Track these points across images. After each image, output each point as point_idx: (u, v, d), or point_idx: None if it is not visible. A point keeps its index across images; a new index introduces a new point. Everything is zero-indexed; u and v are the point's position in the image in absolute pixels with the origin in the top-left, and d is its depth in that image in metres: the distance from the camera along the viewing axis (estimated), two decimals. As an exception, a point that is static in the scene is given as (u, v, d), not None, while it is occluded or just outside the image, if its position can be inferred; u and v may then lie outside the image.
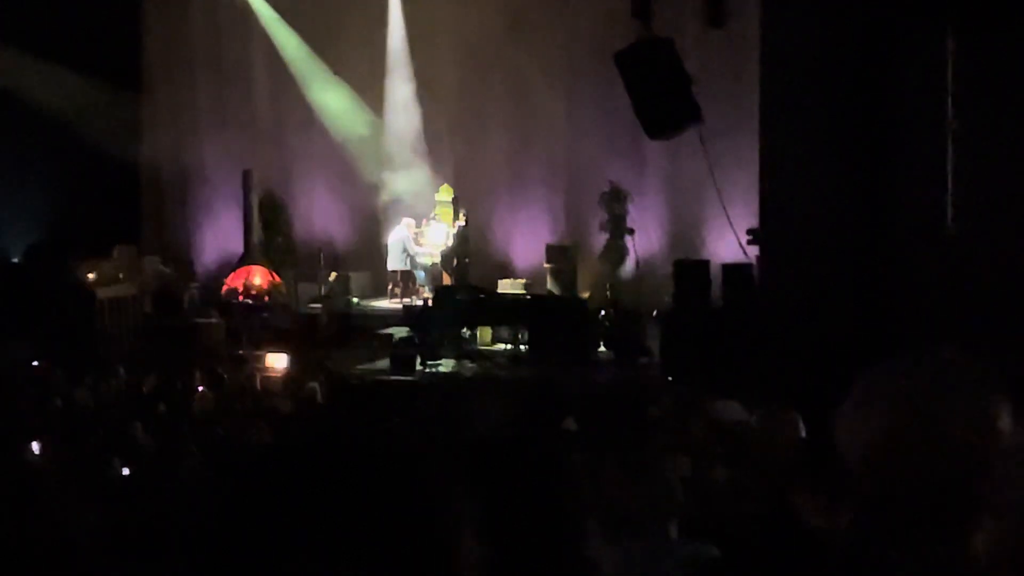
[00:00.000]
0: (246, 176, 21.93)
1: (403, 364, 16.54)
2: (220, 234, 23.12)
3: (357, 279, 21.37)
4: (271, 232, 22.41)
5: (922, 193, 12.42)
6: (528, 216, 21.48)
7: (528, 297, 18.81)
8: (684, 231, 20.09)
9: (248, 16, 22.43)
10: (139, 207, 23.44)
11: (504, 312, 18.02)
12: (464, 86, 21.56)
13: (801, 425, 5.25)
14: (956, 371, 1.82)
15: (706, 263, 16.43)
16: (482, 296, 18.36)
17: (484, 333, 18.05)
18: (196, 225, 23.53)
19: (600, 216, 20.45)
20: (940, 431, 1.76)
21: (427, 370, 16.52)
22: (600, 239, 20.48)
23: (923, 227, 12.38)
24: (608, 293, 19.79)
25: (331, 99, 22.36)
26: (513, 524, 1.55)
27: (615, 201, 20.28)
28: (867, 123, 12.78)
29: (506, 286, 19.66)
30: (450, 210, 20.87)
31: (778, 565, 3.65)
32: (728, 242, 15.60)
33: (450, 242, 20.34)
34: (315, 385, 13.80)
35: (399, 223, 20.95)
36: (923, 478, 1.77)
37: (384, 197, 22.20)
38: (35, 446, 9.36)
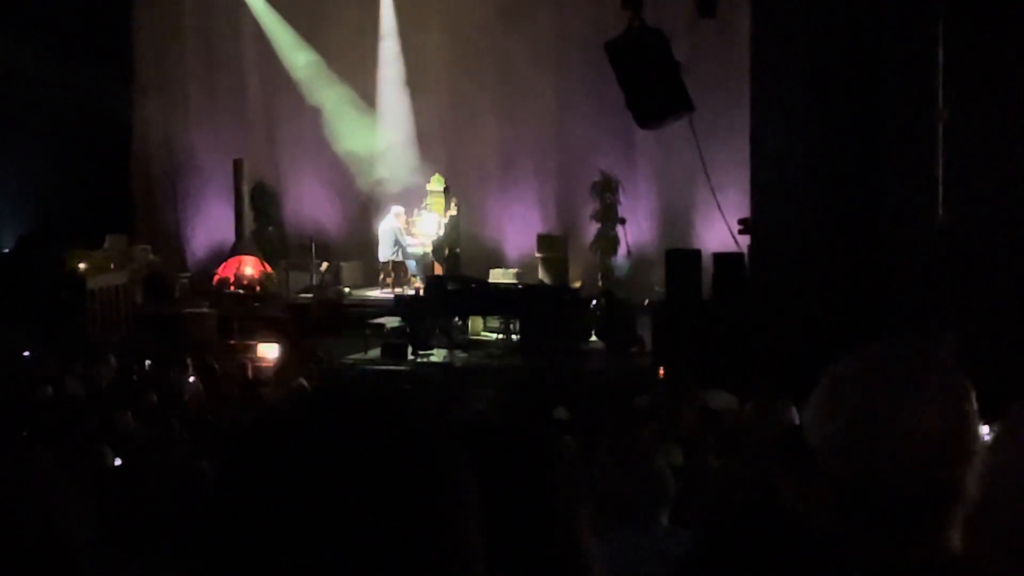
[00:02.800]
0: (237, 166, 21.89)
1: (394, 354, 16.55)
2: (211, 224, 23.08)
3: (349, 269, 21.35)
4: (262, 222, 22.38)
5: (913, 182, 12.44)
6: (519, 205, 21.47)
7: (519, 287, 18.81)
8: (675, 220, 20.10)
9: (239, 6, 22.38)
10: (130, 197, 23.38)
11: (495, 302, 18.02)
12: (455, 76, 21.53)
13: (795, 414, 5.26)
14: (921, 362, 1.82)
15: (697, 252, 16.44)
16: (473, 286, 18.36)
17: (475, 323, 18.05)
18: (187, 215, 23.48)
19: (591, 205, 20.43)
20: (907, 422, 1.76)
21: (418, 360, 16.53)
22: (591, 228, 20.48)
23: (914, 216, 12.40)
24: (599, 282, 19.81)
25: (322, 88, 22.32)
26: (504, 513, 1.55)
27: (606, 190, 20.26)
28: (858, 112, 12.79)
29: (497, 276, 19.65)
30: (441, 200, 20.84)
31: (769, 554, 3.65)
32: (719, 231, 15.61)
33: (441, 232, 20.33)
34: (302, 381, 13.78)
35: (389, 213, 20.93)
36: (891, 470, 1.77)
37: (376, 187, 22.19)
38: (25, 436, 9.34)
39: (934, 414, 1.75)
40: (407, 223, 20.74)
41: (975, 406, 1.78)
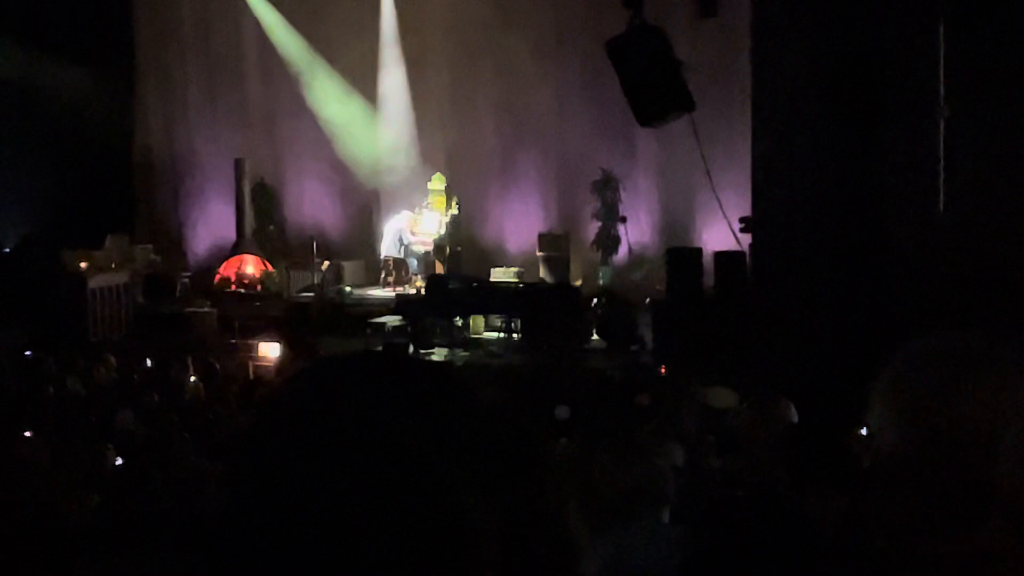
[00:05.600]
0: (238, 165, 21.92)
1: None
2: (212, 223, 23.10)
3: (350, 268, 21.37)
4: (263, 221, 22.41)
5: (914, 180, 12.43)
6: (520, 204, 21.48)
7: (520, 285, 18.81)
8: (676, 219, 20.10)
9: (240, 5, 22.39)
10: (131, 196, 23.42)
11: (497, 300, 18.02)
12: (456, 74, 21.54)
13: (793, 412, 5.26)
14: (985, 356, 1.80)
15: (698, 251, 16.45)
16: (475, 284, 18.36)
17: (477, 321, 18.05)
18: (188, 214, 23.51)
19: (592, 204, 20.45)
20: (967, 418, 1.74)
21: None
22: (592, 227, 20.49)
23: (915, 214, 12.39)
24: (600, 281, 19.82)
25: (323, 87, 22.34)
26: (503, 512, 1.55)
27: (607, 189, 20.28)
28: (859, 110, 12.78)
29: (499, 274, 19.66)
30: (443, 198, 20.85)
31: (769, 551, 3.66)
32: (720, 230, 15.60)
33: (442, 231, 20.34)
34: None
35: (395, 212, 20.96)
36: (949, 463, 1.75)
37: (376, 186, 22.21)
38: (27, 434, 9.35)
39: (998, 408, 1.73)
40: (412, 223, 20.77)
41: None
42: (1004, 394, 1.75)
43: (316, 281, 20.39)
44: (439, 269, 20.10)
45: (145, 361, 15.03)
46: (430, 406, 1.14)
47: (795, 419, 5.15)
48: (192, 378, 13.49)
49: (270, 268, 20.81)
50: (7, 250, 21.01)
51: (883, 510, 1.86)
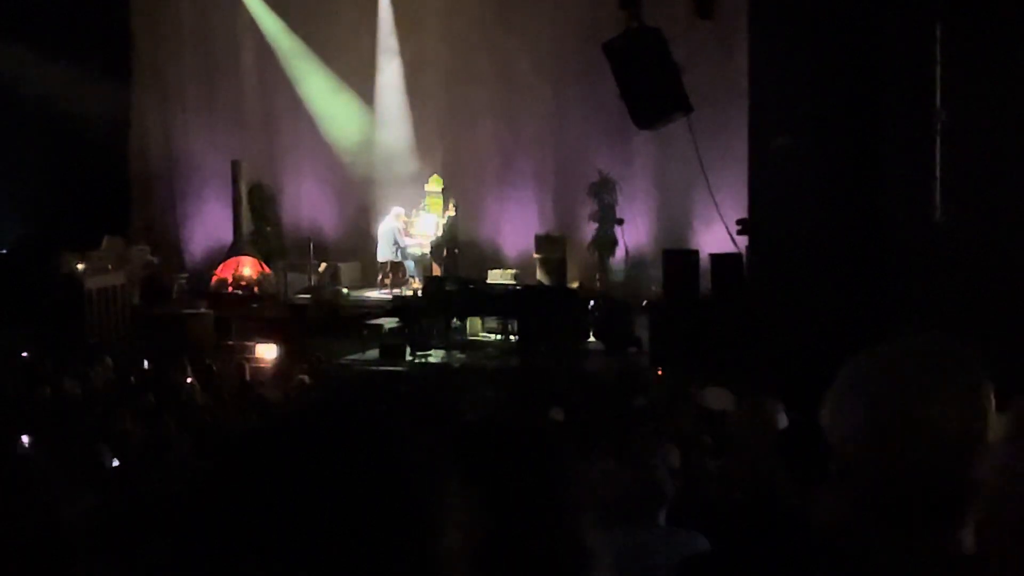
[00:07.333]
0: (235, 166, 21.91)
1: (392, 354, 16.55)
2: (209, 224, 23.09)
3: (347, 269, 21.37)
4: (260, 222, 22.38)
5: (911, 183, 12.43)
6: (517, 206, 21.47)
7: (517, 287, 18.81)
8: (673, 221, 20.10)
9: (237, 7, 22.39)
10: (128, 197, 23.40)
11: (493, 302, 18.02)
12: (453, 77, 21.54)
13: (783, 414, 5.25)
14: (943, 358, 1.81)
15: (695, 253, 16.45)
16: (471, 286, 18.35)
17: (473, 323, 18.05)
18: (185, 215, 23.50)
19: (589, 206, 20.44)
20: (925, 420, 1.74)
21: (416, 360, 16.53)
22: (589, 229, 20.49)
23: (912, 217, 12.39)
24: (597, 283, 19.81)
25: (320, 89, 22.33)
26: (509, 512, 1.56)
27: (604, 191, 20.27)
28: (856, 113, 12.78)
29: (496, 276, 19.65)
30: (440, 200, 20.85)
31: (767, 553, 3.66)
32: (717, 232, 15.61)
33: (439, 232, 20.33)
34: (304, 378, 13.80)
35: (389, 213, 20.93)
36: (909, 468, 1.75)
37: (373, 187, 22.20)
38: (24, 436, 9.35)
39: (955, 410, 1.73)
40: (405, 223, 20.75)
41: (994, 403, 1.77)
42: (967, 395, 1.76)
43: (313, 283, 20.39)
44: (436, 271, 20.09)
45: (142, 362, 15.01)
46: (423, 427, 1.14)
47: (784, 421, 5.14)
48: (189, 380, 13.48)
49: (267, 270, 20.80)
50: (4, 251, 20.99)
51: (848, 511, 1.86)
